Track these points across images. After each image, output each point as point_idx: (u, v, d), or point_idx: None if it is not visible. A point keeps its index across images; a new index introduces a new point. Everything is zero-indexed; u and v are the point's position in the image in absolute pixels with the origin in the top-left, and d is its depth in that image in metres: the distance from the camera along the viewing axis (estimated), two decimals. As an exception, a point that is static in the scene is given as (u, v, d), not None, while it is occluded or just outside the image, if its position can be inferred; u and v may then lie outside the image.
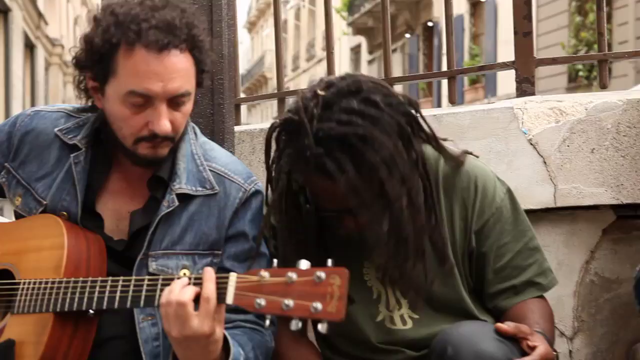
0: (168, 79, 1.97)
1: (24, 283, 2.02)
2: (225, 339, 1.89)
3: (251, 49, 48.21)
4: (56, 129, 2.19)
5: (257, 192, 2.19)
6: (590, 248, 2.80)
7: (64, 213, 2.12)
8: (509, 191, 2.25)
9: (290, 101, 3.81)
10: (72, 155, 2.14)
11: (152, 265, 2.07)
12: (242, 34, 53.00)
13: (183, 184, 2.11)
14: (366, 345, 2.21)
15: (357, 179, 1.95)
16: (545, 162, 2.78)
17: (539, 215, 2.73)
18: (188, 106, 2.08)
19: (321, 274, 1.65)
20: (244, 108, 4.06)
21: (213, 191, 2.13)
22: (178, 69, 2.00)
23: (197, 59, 2.07)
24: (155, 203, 2.11)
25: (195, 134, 2.24)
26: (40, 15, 19.36)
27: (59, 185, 2.14)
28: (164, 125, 2.00)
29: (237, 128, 3.15)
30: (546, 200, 2.76)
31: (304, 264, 1.69)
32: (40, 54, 19.92)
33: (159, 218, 2.08)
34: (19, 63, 16.45)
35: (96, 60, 2.02)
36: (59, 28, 22.34)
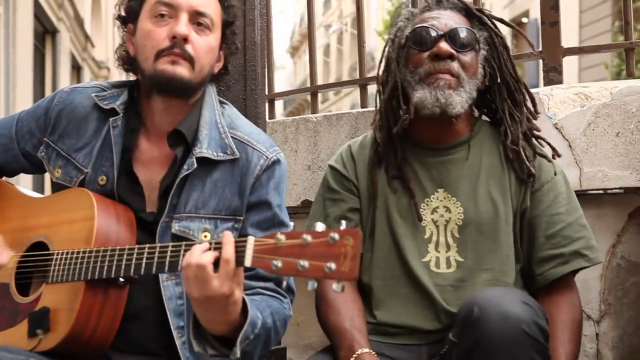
0: None
1: (57, 254, 2.09)
2: (244, 303, 1.93)
3: (294, 73, 48.50)
4: (93, 94, 2.29)
5: (278, 161, 2.25)
6: (616, 232, 2.83)
7: (103, 177, 2.20)
8: (563, 172, 2.45)
9: (321, 95, 3.89)
10: (110, 119, 2.23)
11: (175, 227, 2.13)
12: (285, 59, 53.36)
13: (204, 149, 2.17)
14: (412, 280, 2.36)
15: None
16: (570, 146, 2.82)
17: (565, 199, 2.77)
18: (210, 38, 2.18)
19: (335, 235, 1.69)
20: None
21: (234, 156, 2.19)
22: None
23: (222, 5, 2.23)
24: (178, 167, 2.18)
25: (223, 106, 2.32)
26: (87, 37, 19.72)
27: (98, 152, 2.22)
28: (182, 28, 2.11)
29: (268, 119, 3.23)
30: (572, 183, 2.76)
31: (320, 227, 1.73)
32: (87, 76, 20.27)
33: (180, 179, 2.15)
34: (66, 83, 16.75)
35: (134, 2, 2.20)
36: (105, 51, 22.71)
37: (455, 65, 2.33)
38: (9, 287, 2.17)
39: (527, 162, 2.37)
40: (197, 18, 2.15)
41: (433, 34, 2.36)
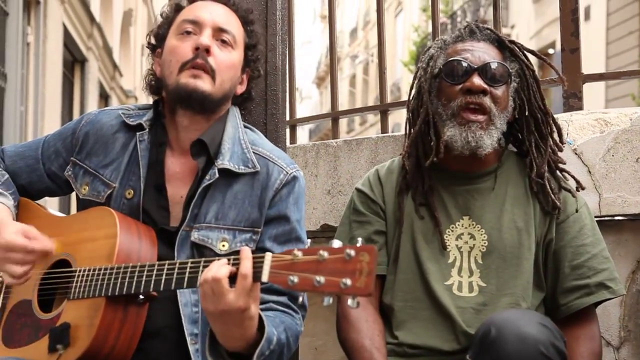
0: (216, 14, 2.28)
1: (79, 271, 2.13)
2: (260, 319, 1.95)
3: (320, 103, 48.70)
4: (120, 112, 2.37)
5: (298, 177, 2.31)
6: (636, 258, 2.81)
7: (130, 191, 2.25)
8: (587, 204, 2.49)
9: (343, 121, 3.92)
10: (137, 133, 2.30)
11: (194, 235, 2.18)
12: (311, 89, 53.67)
13: (226, 161, 2.24)
14: (434, 302, 2.37)
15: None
16: (590, 172, 2.82)
17: (585, 226, 2.76)
18: (233, 55, 2.28)
19: (351, 251, 1.71)
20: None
21: (255, 170, 2.25)
22: (226, 14, 2.31)
23: (246, 29, 2.35)
24: (200, 179, 2.23)
25: (246, 127, 2.38)
26: (115, 66, 19.97)
27: (125, 167, 2.28)
28: (205, 39, 2.22)
29: (289, 144, 3.26)
30: (591, 208, 2.77)
31: (336, 243, 1.75)
32: (114, 104, 20.48)
33: (202, 190, 2.20)
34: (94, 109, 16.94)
35: (162, 24, 2.34)
36: (133, 80, 22.97)
37: (487, 100, 2.36)
38: (31, 303, 2.20)
39: (552, 195, 2.40)
40: (220, 35, 2.25)
41: (466, 67, 2.39)
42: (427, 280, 2.38)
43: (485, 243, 2.40)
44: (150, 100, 2.44)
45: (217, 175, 2.21)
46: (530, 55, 2.52)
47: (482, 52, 2.42)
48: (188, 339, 2.13)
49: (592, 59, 17.04)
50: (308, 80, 52.85)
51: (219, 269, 1.86)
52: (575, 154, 2.83)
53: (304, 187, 2.34)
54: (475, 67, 2.38)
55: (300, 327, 2.21)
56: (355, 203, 2.57)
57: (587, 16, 18.84)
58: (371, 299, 2.43)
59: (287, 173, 2.28)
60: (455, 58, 2.42)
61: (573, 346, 2.28)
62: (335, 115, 3.69)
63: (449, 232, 2.43)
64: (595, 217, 2.79)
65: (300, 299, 2.01)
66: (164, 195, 2.26)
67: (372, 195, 2.54)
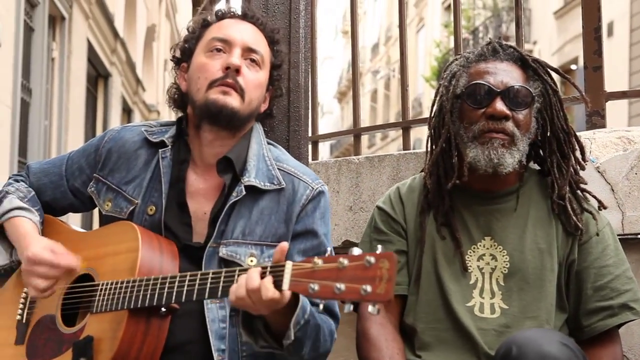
0: (245, 33, 2.33)
1: (102, 284, 2.15)
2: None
3: (341, 118, 48.78)
4: (143, 129, 2.40)
5: (323, 192, 2.34)
6: (659, 276, 2.79)
7: (152, 207, 2.28)
8: (610, 224, 2.46)
9: (365, 136, 3.94)
10: (160, 150, 2.33)
11: (222, 251, 2.20)
12: (333, 104, 53.76)
13: (252, 178, 2.26)
14: (455, 323, 2.36)
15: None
16: (612, 190, 2.81)
17: (608, 244, 2.74)
18: (260, 75, 2.32)
19: (371, 258, 1.72)
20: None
21: (280, 186, 2.28)
22: (255, 33, 2.35)
23: (272, 49, 2.39)
24: (226, 196, 2.26)
25: (269, 143, 2.41)
26: (138, 81, 20.11)
27: (148, 184, 2.31)
28: (235, 59, 2.26)
29: (311, 160, 3.28)
30: (614, 227, 2.74)
31: (356, 251, 1.76)
32: (137, 118, 20.61)
33: (229, 206, 2.22)
34: (116, 125, 17.05)
35: (189, 39, 2.38)
36: (156, 95, 23.14)
37: (510, 125, 2.34)
38: (55, 318, 2.23)
39: (574, 217, 2.38)
40: (249, 54, 2.29)
41: (489, 91, 2.35)
42: (448, 302, 2.37)
43: (507, 265, 2.37)
44: (173, 115, 2.47)
45: (244, 192, 2.24)
46: (553, 73, 2.50)
47: (504, 74, 2.38)
48: (215, 354, 2.14)
49: (615, 76, 16.98)
50: (329, 95, 52.96)
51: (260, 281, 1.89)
52: (598, 172, 2.83)
53: (329, 201, 2.37)
54: (498, 91, 2.35)
55: (334, 328, 2.23)
56: (377, 221, 2.55)
57: (610, 32, 18.77)
58: (390, 317, 2.43)
59: (313, 188, 2.31)
60: (478, 81, 2.38)
61: None
62: (357, 132, 3.71)
63: (470, 252, 2.41)
64: (618, 235, 2.77)
65: (321, 306, 1.96)
66: (187, 211, 2.28)
67: (394, 214, 2.53)
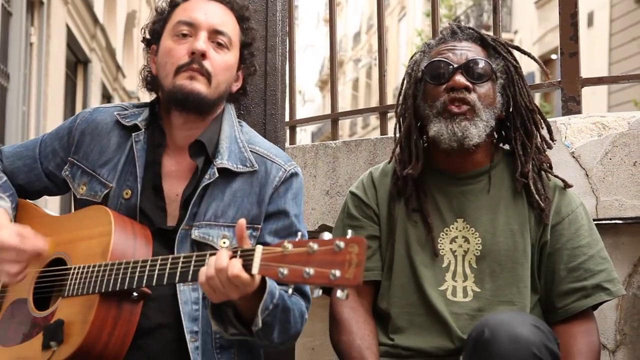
0: (211, 14, 2.28)
1: (74, 268, 2.14)
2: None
3: (322, 107, 48.73)
4: (115, 113, 2.38)
5: (296, 174, 2.34)
6: (633, 261, 2.81)
7: (128, 191, 2.27)
8: (583, 204, 2.45)
9: (345, 124, 3.93)
10: (133, 134, 2.32)
11: (195, 233, 2.20)
12: (314, 93, 53.68)
13: (225, 160, 2.26)
14: (428, 307, 2.35)
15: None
16: (587, 175, 2.82)
17: (582, 229, 2.76)
18: (228, 56, 2.29)
19: (340, 243, 1.72)
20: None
21: (253, 169, 2.28)
22: (222, 14, 2.31)
23: (241, 26, 2.34)
24: (199, 178, 2.25)
25: (241, 125, 2.41)
26: (118, 67, 19.96)
27: (122, 168, 2.30)
28: (201, 44, 2.22)
29: (289, 144, 3.27)
30: (589, 212, 2.77)
31: (327, 235, 1.77)
32: (117, 105, 20.53)
33: (201, 189, 2.22)
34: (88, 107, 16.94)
35: (158, 20, 2.34)
36: (136, 81, 23.00)
37: (471, 97, 2.34)
38: (27, 302, 2.21)
39: (537, 196, 2.37)
40: (215, 37, 2.26)
41: (448, 67, 2.37)
42: (421, 286, 2.37)
43: (479, 247, 2.37)
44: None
45: (216, 174, 2.23)
46: (527, 59, 2.51)
47: (464, 51, 2.40)
48: (188, 336, 2.14)
49: (595, 65, 17.06)
50: (311, 84, 52.93)
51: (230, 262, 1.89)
52: (573, 157, 2.84)
53: (302, 183, 2.36)
54: (457, 65, 2.36)
55: (304, 309, 2.23)
56: (349, 207, 2.55)
57: (590, 22, 18.86)
58: (363, 301, 2.43)
59: (286, 170, 2.31)
60: (437, 59, 2.41)
61: (571, 342, 2.27)
62: (334, 117, 3.70)
63: (443, 235, 2.41)
64: (593, 220, 2.80)
65: (290, 290, 1.91)
66: (161, 196, 2.27)
67: (366, 199, 2.52)
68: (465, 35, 2.45)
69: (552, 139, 2.51)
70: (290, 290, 1.82)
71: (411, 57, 2.56)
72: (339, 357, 2.39)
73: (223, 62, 2.27)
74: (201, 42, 2.23)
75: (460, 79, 2.34)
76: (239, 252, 1.89)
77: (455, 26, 2.48)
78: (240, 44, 2.34)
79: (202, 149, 2.26)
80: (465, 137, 2.32)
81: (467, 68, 2.36)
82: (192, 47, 2.22)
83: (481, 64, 2.38)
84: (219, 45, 2.27)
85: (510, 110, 2.43)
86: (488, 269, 2.36)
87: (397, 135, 2.54)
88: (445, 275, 2.37)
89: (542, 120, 2.48)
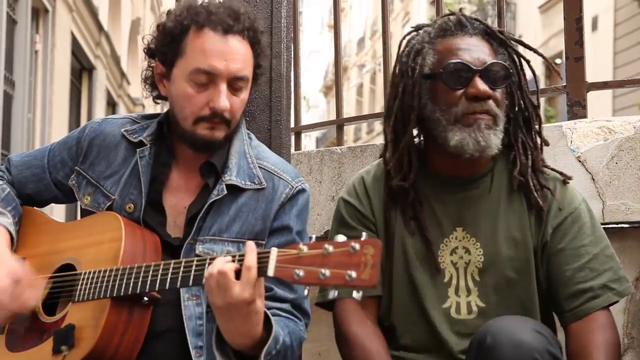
0: (231, 59, 2.18)
1: (84, 273, 2.15)
2: (267, 318, 1.98)
3: (327, 112, 48.74)
4: (122, 129, 2.37)
5: (303, 190, 2.32)
6: (640, 265, 2.81)
7: (131, 205, 2.26)
8: (585, 200, 2.35)
9: (350, 130, 3.93)
10: (138, 149, 2.31)
11: (199, 248, 2.20)
12: (319, 98, 53.72)
13: (233, 177, 2.25)
14: (430, 329, 2.27)
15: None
16: (593, 179, 2.82)
17: (588, 233, 2.75)
18: (245, 94, 2.25)
19: (356, 245, 1.74)
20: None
21: (261, 186, 2.28)
22: (240, 52, 2.21)
23: (255, 51, 2.27)
24: (207, 194, 2.25)
25: (250, 137, 2.40)
26: (123, 75, 20.02)
27: (126, 181, 2.29)
28: (224, 102, 2.17)
29: (294, 150, 3.28)
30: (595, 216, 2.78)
31: (341, 237, 1.78)
32: (122, 112, 20.55)
33: (208, 204, 2.22)
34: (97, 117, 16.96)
35: (167, 43, 2.24)
36: (141, 88, 23.03)
37: (492, 105, 2.22)
38: (35, 308, 2.22)
39: (535, 193, 2.28)
40: (235, 83, 2.21)
41: (468, 71, 2.22)
42: (423, 306, 2.28)
43: (481, 258, 2.28)
44: (158, 110, 2.43)
45: (225, 191, 2.23)
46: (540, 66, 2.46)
47: (478, 51, 2.26)
48: (193, 352, 2.14)
49: (599, 69, 17.04)
50: (315, 90, 52.96)
51: (225, 263, 1.90)
52: (579, 161, 2.84)
53: (309, 199, 2.35)
54: (477, 69, 2.22)
55: (303, 334, 2.22)
56: (344, 215, 2.40)
57: (595, 26, 18.84)
58: (368, 315, 2.32)
59: (293, 187, 2.30)
60: (454, 61, 2.23)
61: (588, 338, 2.17)
62: (340, 123, 3.71)
63: (442, 247, 2.30)
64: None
65: (305, 292, 1.94)
66: (162, 212, 2.28)
67: (362, 208, 2.39)
68: (474, 30, 2.29)
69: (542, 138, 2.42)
70: (305, 292, 1.84)
71: (406, 45, 2.37)
72: None
73: (240, 103, 2.24)
74: (224, 99, 2.17)
75: (483, 86, 2.21)
76: (237, 257, 1.91)
77: (462, 17, 2.32)
78: (254, 71, 2.29)
79: (212, 168, 2.26)
80: (488, 146, 2.20)
81: (487, 73, 2.23)
82: (214, 105, 2.17)
83: (499, 68, 2.25)
84: (237, 88, 2.22)
85: (516, 108, 2.33)
86: (491, 281, 2.27)
87: (392, 136, 2.36)
88: (447, 290, 2.28)
89: (539, 117, 2.39)
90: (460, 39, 2.28)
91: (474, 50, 2.25)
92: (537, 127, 2.36)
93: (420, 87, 2.29)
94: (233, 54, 2.19)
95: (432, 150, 2.33)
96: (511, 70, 2.29)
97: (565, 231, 2.27)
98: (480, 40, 2.29)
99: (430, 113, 2.28)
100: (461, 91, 2.23)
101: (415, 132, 2.35)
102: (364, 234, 1.77)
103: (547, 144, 2.41)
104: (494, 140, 2.21)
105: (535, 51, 2.47)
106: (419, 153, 2.34)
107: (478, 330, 2.10)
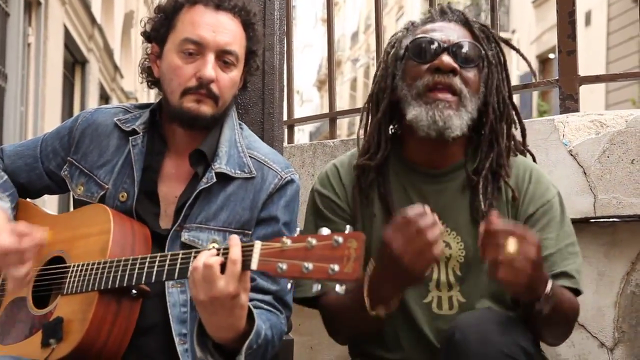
0: (219, 31, 2.21)
1: (73, 266, 2.15)
2: (250, 312, 1.97)
3: (320, 107, 48.72)
4: (115, 118, 2.37)
5: (292, 181, 2.31)
6: (631, 259, 2.82)
7: (124, 194, 2.26)
8: (559, 194, 2.30)
9: (344, 124, 3.93)
10: (130, 138, 2.31)
11: (184, 236, 2.19)
12: (312, 93, 53.70)
13: (223, 165, 2.25)
14: (411, 325, 2.24)
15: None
16: (585, 173, 2.82)
17: (580, 226, 2.72)
18: (235, 73, 2.25)
19: (339, 238, 1.73)
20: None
21: (251, 175, 2.27)
22: (229, 27, 2.23)
23: (248, 33, 2.29)
24: (197, 182, 2.24)
25: (241, 127, 2.39)
26: (116, 68, 19.97)
27: (119, 170, 2.29)
28: (209, 71, 2.18)
29: (287, 143, 3.27)
30: (586, 210, 2.79)
31: (325, 231, 1.77)
32: (115, 105, 20.53)
33: (197, 192, 2.21)
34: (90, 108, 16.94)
35: (161, 21, 2.28)
36: (134, 81, 22.91)
37: (457, 81, 2.18)
38: (25, 300, 2.21)
39: (481, 197, 2.21)
40: (223, 56, 2.22)
41: (435, 45, 2.20)
42: (404, 301, 2.19)
43: (462, 253, 2.23)
44: (150, 99, 2.43)
45: (214, 179, 2.22)
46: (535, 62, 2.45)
47: (452, 32, 2.24)
48: (176, 339, 2.14)
49: (592, 64, 17.07)
50: (309, 84, 52.92)
51: (209, 257, 1.88)
52: (571, 155, 2.84)
53: (298, 190, 2.33)
54: (445, 45, 2.20)
55: (284, 327, 2.22)
56: (320, 207, 2.36)
57: (588, 21, 18.87)
58: None
59: (282, 177, 2.29)
60: (422, 35, 2.24)
61: None
62: (333, 116, 3.71)
63: None
64: (590, 218, 2.81)
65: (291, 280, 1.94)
66: (156, 201, 2.27)
67: (337, 200, 2.34)
68: (454, 17, 2.30)
69: (524, 144, 2.38)
70: (289, 285, 1.83)
71: (393, 35, 2.39)
72: (341, 328, 2.28)
73: (229, 81, 2.24)
74: (209, 68, 2.18)
75: (447, 59, 2.17)
76: (221, 250, 1.90)
77: (446, 6, 2.34)
78: (245, 52, 2.30)
79: (202, 156, 2.25)
80: (447, 127, 2.15)
81: (455, 50, 2.20)
82: (200, 74, 2.17)
83: (470, 48, 2.22)
84: (226, 63, 2.22)
85: (489, 99, 2.26)
86: (473, 276, 2.23)
87: (369, 119, 2.36)
88: (429, 284, 2.24)
89: (517, 120, 2.35)
90: (438, 24, 2.30)
91: (447, 32, 2.25)
92: (506, 127, 2.30)
93: (395, 68, 2.30)
94: (222, 26, 2.22)
95: (407, 136, 2.30)
96: (485, 54, 2.26)
97: (534, 222, 2.23)
98: (457, 26, 2.29)
99: (399, 91, 2.26)
100: (427, 65, 2.20)
101: (394, 125, 2.34)
102: (347, 227, 1.76)
103: (518, 150, 2.36)
104: (456, 122, 2.16)
105: (512, 47, 2.48)
106: (394, 139, 2.32)
107: (449, 327, 2.05)
